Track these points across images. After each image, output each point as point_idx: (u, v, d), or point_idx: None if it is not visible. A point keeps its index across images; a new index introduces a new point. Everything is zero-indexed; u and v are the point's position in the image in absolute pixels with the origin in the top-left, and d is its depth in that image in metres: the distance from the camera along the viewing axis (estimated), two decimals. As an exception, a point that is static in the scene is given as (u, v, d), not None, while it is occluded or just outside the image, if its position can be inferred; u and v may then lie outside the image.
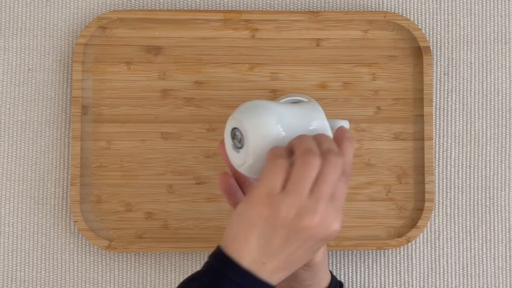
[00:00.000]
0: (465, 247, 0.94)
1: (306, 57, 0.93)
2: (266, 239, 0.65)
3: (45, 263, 0.92)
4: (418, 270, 0.93)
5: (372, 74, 0.93)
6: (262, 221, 0.65)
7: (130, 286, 0.92)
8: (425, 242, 0.93)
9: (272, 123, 0.70)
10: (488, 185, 0.94)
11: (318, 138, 0.68)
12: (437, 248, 0.93)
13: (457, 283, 0.93)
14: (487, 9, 0.96)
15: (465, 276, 0.93)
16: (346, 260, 0.93)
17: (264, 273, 0.65)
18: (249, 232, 0.65)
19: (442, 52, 0.95)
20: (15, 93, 0.93)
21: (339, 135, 0.69)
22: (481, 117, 0.95)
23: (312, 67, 0.93)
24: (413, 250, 0.93)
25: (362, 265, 0.93)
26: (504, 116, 0.95)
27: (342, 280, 0.93)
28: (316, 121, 0.72)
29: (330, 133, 0.73)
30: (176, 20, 0.92)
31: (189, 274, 0.91)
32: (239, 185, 0.77)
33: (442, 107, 0.95)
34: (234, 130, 0.72)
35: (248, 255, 0.65)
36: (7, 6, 0.94)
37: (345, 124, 0.83)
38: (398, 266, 0.93)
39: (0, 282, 0.91)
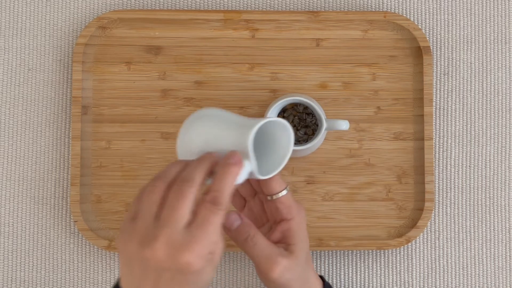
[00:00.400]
0: (465, 247, 0.94)
1: (306, 57, 0.93)
2: (129, 270, 0.61)
3: (45, 263, 0.92)
4: (418, 270, 0.93)
5: (372, 74, 0.93)
6: (120, 252, 0.62)
7: (130, 286, 0.92)
8: (425, 242, 0.93)
9: (188, 138, 0.68)
10: (488, 185, 0.94)
11: (187, 164, 0.64)
12: (437, 248, 0.93)
13: (457, 283, 0.93)
14: (487, 9, 0.96)
15: (465, 276, 0.93)
16: (346, 260, 0.93)
17: None
18: (120, 262, 0.63)
19: (442, 52, 0.95)
20: (15, 93, 0.93)
21: (221, 162, 0.65)
22: (481, 117, 0.95)
23: (312, 67, 0.93)
24: (413, 250, 0.93)
25: (362, 265, 0.93)
26: (504, 116, 0.95)
27: (343, 280, 0.93)
28: (226, 142, 0.67)
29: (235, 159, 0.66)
30: (176, 20, 0.92)
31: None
32: None
33: (442, 107, 0.95)
34: None
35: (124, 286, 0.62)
36: (7, 6, 0.94)
37: (345, 124, 0.83)
38: (398, 266, 0.93)
39: (0, 282, 0.91)
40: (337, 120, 0.84)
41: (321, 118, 0.84)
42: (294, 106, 0.90)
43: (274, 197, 0.71)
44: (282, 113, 0.89)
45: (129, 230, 0.61)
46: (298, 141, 0.89)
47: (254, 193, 0.76)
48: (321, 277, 0.80)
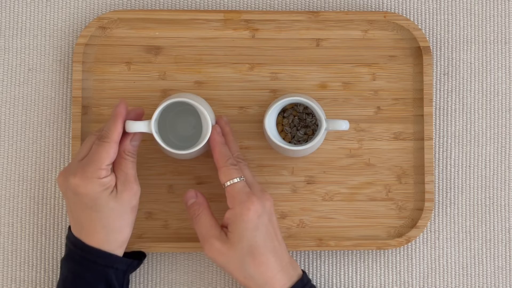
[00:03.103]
0: (465, 247, 0.94)
1: (306, 57, 0.93)
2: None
3: (45, 263, 0.92)
4: (418, 270, 0.93)
5: (372, 74, 0.93)
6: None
7: (130, 286, 0.92)
8: (425, 242, 0.93)
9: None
10: (488, 185, 0.94)
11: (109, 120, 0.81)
12: (437, 248, 0.93)
13: (457, 283, 0.93)
14: (487, 9, 0.96)
15: (465, 276, 0.93)
16: (346, 260, 0.93)
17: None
18: None
19: (442, 52, 0.95)
20: (15, 93, 0.93)
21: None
22: (481, 117, 0.95)
23: (312, 67, 0.93)
24: (413, 250, 0.93)
25: (362, 265, 0.93)
26: (504, 116, 0.95)
27: (343, 280, 0.93)
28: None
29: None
30: (176, 20, 0.92)
31: (189, 274, 0.92)
32: None
33: (442, 107, 0.95)
34: None
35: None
36: (7, 6, 0.94)
37: (345, 124, 0.83)
38: (398, 266, 0.93)
39: (0, 282, 0.91)
40: (337, 120, 0.84)
41: (321, 118, 0.84)
42: (294, 106, 0.90)
43: (224, 186, 0.81)
44: (282, 113, 0.89)
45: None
46: (298, 141, 0.89)
47: None
48: (304, 272, 0.83)
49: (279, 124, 0.89)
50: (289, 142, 0.89)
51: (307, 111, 0.89)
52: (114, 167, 0.81)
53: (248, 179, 0.83)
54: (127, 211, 0.81)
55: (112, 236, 0.81)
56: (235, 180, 0.81)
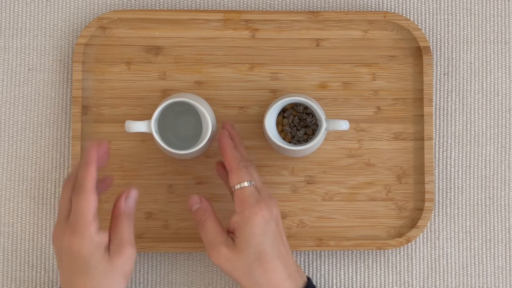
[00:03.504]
0: (465, 247, 0.94)
1: (306, 57, 0.93)
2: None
3: (45, 263, 0.92)
4: (418, 270, 0.93)
5: (372, 74, 0.93)
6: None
7: (130, 286, 0.92)
8: (425, 242, 0.93)
9: None
10: (488, 185, 0.94)
11: (81, 166, 0.77)
12: (437, 248, 0.93)
13: (457, 283, 0.93)
14: (487, 9, 0.96)
15: (465, 276, 0.93)
16: (346, 260, 0.93)
17: None
18: None
19: (442, 52, 0.95)
20: (15, 93, 0.93)
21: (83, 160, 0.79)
22: (481, 117, 0.95)
23: (312, 67, 0.93)
24: (413, 250, 0.93)
25: (362, 265, 0.93)
26: (504, 116, 0.95)
27: (343, 280, 0.93)
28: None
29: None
30: (176, 20, 0.92)
31: (189, 274, 0.92)
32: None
33: (442, 107, 0.95)
34: None
35: None
36: (7, 6, 0.94)
37: (345, 124, 0.83)
38: (398, 266, 0.93)
39: (0, 282, 0.91)
40: (337, 120, 0.84)
41: (321, 118, 0.84)
42: (294, 106, 0.90)
43: (234, 189, 0.79)
44: (282, 113, 0.89)
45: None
46: (298, 141, 0.89)
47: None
48: (309, 279, 0.81)
49: (279, 124, 0.89)
50: (289, 142, 0.89)
51: (307, 111, 0.89)
52: (110, 227, 0.78)
53: (257, 183, 0.81)
54: (119, 277, 0.76)
55: None
56: (245, 184, 0.79)
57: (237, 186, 0.79)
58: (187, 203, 0.82)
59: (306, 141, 0.89)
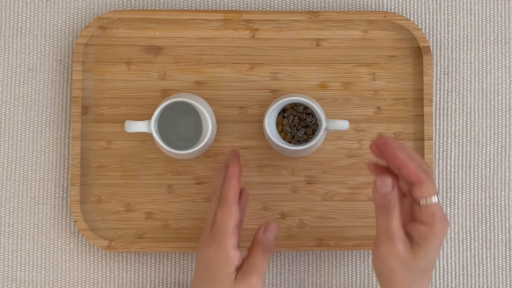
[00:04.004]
0: (465, 247, 0.94)
1: (306, 57, 0.93)
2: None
3: (45, 263, 0.92)
4: (418, 270, 0.93)
5: (372, 74, 0.93)
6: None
7: (130, 286, 0.92)
8: (425, 242, 0.93)
9: None
10: (488, 185, 0.94)
11: (224, 179, 0.81)
12: (437, 248, 0.93)
13: (457, 283, 0.93)
14: (487, 9, 0.96)
15: (465, 276, 0.93)
16: (346, 260, 0.93)
17: None
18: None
19: (442, 52, 0.95)
20: (15, 93, 0.93)
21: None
22: (481, 117, 0.95)
23: (312, 67, 0.93)
24: (413, 250, 0.93)
25: (362, 265, 0.93)
26: (504, 116, 0.95)
27: (343, 280, 0.93)
28: None
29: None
30: (176, 20, 0.92)
31: (189, 274, 0.92)
32: None
33: (442, 107, 0.95)
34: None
35: None
36: (7, 6, 0.94)
37: (345, 124, 0.83)
38: (398, 266, 0.93)
39: (0, 282, 0.91)
40: (337, 120, 0.84)
41: (321, 118, 0.84)
42: (294, 106, 0.90)
43: (421, 202, 0.73)
44: (282, 113, 0.89)
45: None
46: (298, 141, 0.89)
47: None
48: None
49: (279, 124, 0.89)
50: (289, 142, 0.89)
51: (307, 111, 0.89)
52: (247, 253, 0.79)
53: None
54: None
55: None
56: (435, 199, 0.73)
57: (424, 201, 0.73)
58: (376, 183, 0.74)
59: (306, 141, 0.89)
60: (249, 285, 0.76)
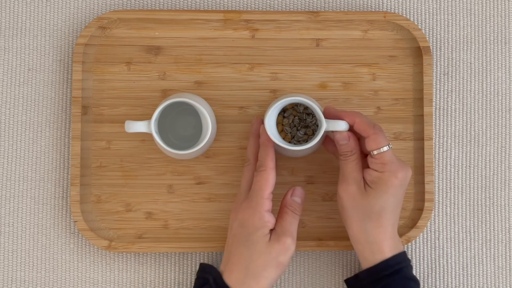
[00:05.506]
0: (465, 247, 0.94)
1: (306, 57, 0.93)
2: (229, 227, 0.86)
3: (45, 263, 0.92)
4: (418, 270, 0.93)
5: (372, 74, 0.93)
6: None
7: (130, 286, 0.92)
8: (425, 242, 0.93)
9: None
10: (488, 185, 0.94)
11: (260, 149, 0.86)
12: (437, 248, 0.93)
13: (457, 283, 0.93)
14: (487, 9, 0.96)
15: (465, 276, 0.93)
16: (346, 260, 0.93)
17: None
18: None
19: (442, 52, 0.95)
20: (15, 93, 0.93)
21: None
22: (481, 117, 0.95)
23: (312, 67, 0.93)
24: (413, 250, 0.93)
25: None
26: (504, 116, 0.95)
27: (342, 280, 0.93)
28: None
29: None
30: (176, 20, 0.92)
31: (189, 274, 0.92)
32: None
33: (442, 107, 0.95)
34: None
35: None
36: (7, 6, 0.94)
37: (344, 124, 0.83)
38: (398, 266, 0.93)
39: (0, 282, 0.91)
40: (337, 120, 0.84)
41: (321, 118, 0.84)
42: (294, 106, 0.90)
43: (372, 153, 0.82)
44: (282, 113, 0.89)
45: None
46: (298, 141, 0.89)
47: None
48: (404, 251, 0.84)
49: (279, 124, 0.89)
50: (289, 142, 0.89)
51: (307, 111, 0.89)
52: (277, 217, 0.83)
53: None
54: (272, 264, 0.81)
55: (248, 281, 0.81)
56: (385, 149, 0.82)
57: (376, 151, 0.81)
58: (335, 137, 0.84)
59: (306, 141, 0.89)
60: (283, 245, 0.81)
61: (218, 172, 0.92)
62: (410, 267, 0.84)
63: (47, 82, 0.93)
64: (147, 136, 0.91)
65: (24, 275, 0.92)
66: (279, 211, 0.84)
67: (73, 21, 0.94)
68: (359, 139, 0.85)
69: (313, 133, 0.89)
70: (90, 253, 0.92)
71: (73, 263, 0.92)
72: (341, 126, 0.83)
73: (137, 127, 0.82)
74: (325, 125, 0.84)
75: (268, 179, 0.82)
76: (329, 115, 0.85)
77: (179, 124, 0.91)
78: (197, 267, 0.92)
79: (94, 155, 0.91)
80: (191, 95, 0.88)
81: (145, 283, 0.92)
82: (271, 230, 0.82)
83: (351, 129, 0.84)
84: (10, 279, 0.92)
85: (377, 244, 0.82)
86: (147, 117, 0.88)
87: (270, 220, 0.81)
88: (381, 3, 0.95)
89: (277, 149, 0.89)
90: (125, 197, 0.91)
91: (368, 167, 0.83)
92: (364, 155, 0.85)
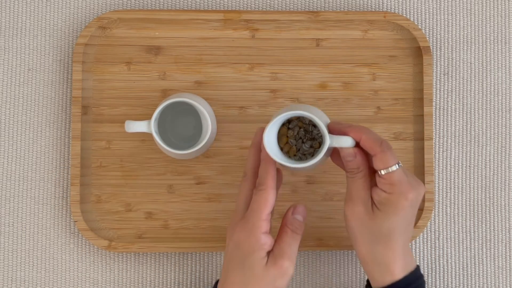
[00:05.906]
0: (465, 247, 0.94)
1: (306, 57, 0.93)
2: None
3: (45, 263, 0.92)
4: (418, 270, 0.93)
5: (372, 74, 0.93)
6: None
7: (130, 286, 0.92)
8: (425, 242, 0.93)
9: None
10: (488, 185, 0.94)
11: (261, 166, 0.80)
12: (437, 248, 0.93)
13: (457, 283, 0.93)
14: (487, 9, 0.96)
15: (465, 276, 0.93)
16: (346, 260, 0.93)
17: None
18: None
19: (442, 52, 0.95)
20: (15, 93, 0.93)
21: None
22: (481, 117, 0.95)
23: (312, 67, 0.93)
24: (413, 250, 0.93)
25: (362, 265, 0.93)
26: (504, 116, 0.95)
27: (343, 280, 0.93)
28: None
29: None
30: (176, 20, 0.92)
31: (189, 274, 0.92)
32: None
33: (442, 107, 0.95)
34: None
35: None
36: (7, 6, 0.94)
37: (350, 141, 0.78)
38: (398, 266, 0.93)
39: (0, 282, 0.91)
40: (342, 136, 0.78)
41: (324, 133, 0.78)
42: (299, 117, 0.82)
43: (380, 173, 0.77)
44: (287, 124, 0.82)
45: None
46: (303, 154, 0.82)
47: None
48: (417, 266, 0.80)
49: (284, 136, 0.82)
50: (294, 155, 0.82)
51: (313, 123, 0.81)
52: (276, 237, 0.78)
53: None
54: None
55: None
56: (393, 168, 0.76)
57: (384, 171, 0.77)
58: (341, 153, 0.79)
59: (312, 154, 0.82)
60: (280, 269, 0.76)
61: (218, 172, 0.92)
62: (421, 286, 0.79)
63: (47, 82, 0.93)
64: (147, 136, 0.91)
65: (24, 275, 0.92)
66: (279, 230, 0.79)
67: (73, 21, 0.94)
68: (368, 154, 0.79)
69: (320, 146, 0.82)
70: (90, 253, 0.92)
71: (73, 263, 0.92)
72: (346, 142, 0.78)
73: (137, 127, 0.82)
74: (329, 141, 0.78)
75: (268, 199, 0.76)
76: (334, 130, 0.79)
77: (179, 124, 0.91)
78: (197, 267, 0.92)
79: (94, 155, 0.91)
80: (191, 95, 0.88)
81: (145, 283, 0.92)
82: (269, 252, 0.77)
83: (358, 144, 0.78)
84: (10, 279, 0.92)
85: (387, 266, 0.77)
86: (147, 117, 0.88)
87: (267, 242, 0.76)
88: (381, 3, 0.95)
89: (279, 165, 0.81)
90: (125, 197, 0.91)
91: (376, 185, 0.78)
92: (374, 171, 0.79)
